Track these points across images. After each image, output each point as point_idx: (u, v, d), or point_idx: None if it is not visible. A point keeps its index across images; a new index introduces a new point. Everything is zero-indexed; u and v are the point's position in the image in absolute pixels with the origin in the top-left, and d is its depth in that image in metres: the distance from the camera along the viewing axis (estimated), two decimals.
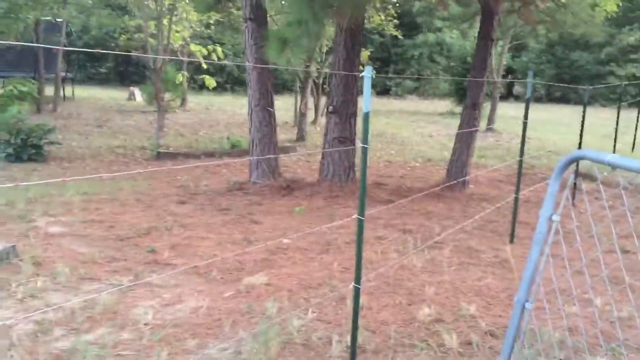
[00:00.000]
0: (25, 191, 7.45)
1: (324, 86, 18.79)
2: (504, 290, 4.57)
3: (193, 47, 16.31)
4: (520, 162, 5.97)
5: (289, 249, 5.51)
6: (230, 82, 32.64)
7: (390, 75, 34.13)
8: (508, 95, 34.18)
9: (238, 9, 14.12)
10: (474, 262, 5.23)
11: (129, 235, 5.77)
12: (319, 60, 17.06)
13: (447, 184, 8.08)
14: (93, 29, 26.85)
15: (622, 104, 11.85)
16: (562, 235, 2.21)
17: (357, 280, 3.35)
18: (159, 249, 5.35)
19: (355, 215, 3.29)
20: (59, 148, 11.46)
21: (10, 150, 10.04)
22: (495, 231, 6.38)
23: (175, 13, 14.41)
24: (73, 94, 22.48)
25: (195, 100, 24.88)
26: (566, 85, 15.93)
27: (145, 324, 3.78)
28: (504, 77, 20.72)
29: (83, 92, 25.34)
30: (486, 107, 17.18)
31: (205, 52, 15.79)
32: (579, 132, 7.59)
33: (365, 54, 16.89)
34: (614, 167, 1.90)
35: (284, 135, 13.97)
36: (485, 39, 8.11)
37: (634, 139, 13.30)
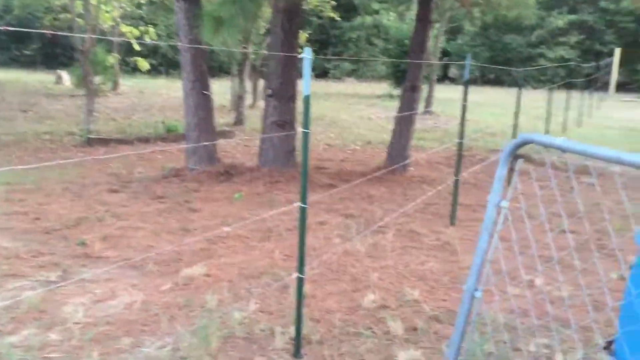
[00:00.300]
0: None
1: (262, 69, 18.50)
2: (446, 274, 4.57)
3: (124, 28, 15.66)
4: (460, 145, 5.99)
5: (228, 237, 5.33)
6: (165, 64, 31.64)
7: (329, 57, 34.04)
8: (444, 77, 34.77)
9: None
10: (416, 246, 5.22)
11: (57, 228, 5.43)
12: (256, 42, 16.73)
13: (389, 167, 8.06)
14: (16, 8, 25.34)
15: (552, 86, 12.19)
16: (508, 218, 2.16)
17: (301, 269, 3.23)
18: (89, 242, 5.06)
19: (297, 203, 3.16)
20: None
21: None
22: (436, 213, 6.40)
23: None
24: None
25: (127, 83, 23.98)
26: (501, 67, 16.29)
27: (75, 323, 3.54)
28: (440, 59, 20.99)
29: (5, 75, 23.96)
30: (424, 89, 17.35)
31: (137, 33, 15.18)
32: (513, 113, 7.72)
33: (303, 36, 16.68)
34: (563, 150, 1.84)
35: (221, 119, 13.62)
36: (423, 21, 8.10)
37: (565, 120, 13.74)
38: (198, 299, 3.95)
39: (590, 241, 5.36)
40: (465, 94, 5.88)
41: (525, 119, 13.45)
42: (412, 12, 26.50)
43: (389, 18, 30.95)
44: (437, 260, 4.87)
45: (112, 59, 16.03)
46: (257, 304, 3.90)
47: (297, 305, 3.22)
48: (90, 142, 10.45)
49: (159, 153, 9.81)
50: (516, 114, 7.93)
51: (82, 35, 11.41)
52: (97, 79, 16.52)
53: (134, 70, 22.25)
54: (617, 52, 28.23)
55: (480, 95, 24.21)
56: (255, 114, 16.06)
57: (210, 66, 7.90)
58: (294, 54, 7.60)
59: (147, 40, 15.87)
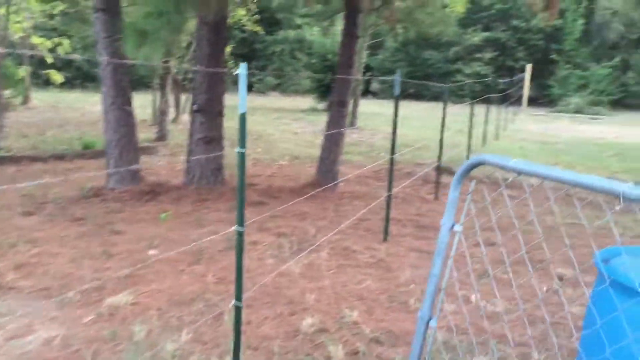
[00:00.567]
0: None
1: (185, 82, 18.06)
2: (383, 292, 4.50)
3: (35, 40, 14.83)
4: (392, 160, 5.99)
5: (156, 261, 5.04)
6: (80, 77, 30.39)
7: (263, 72, 33.80)
8: (366, 92, 35.35)
9: None
10: (351, 264, 5.14)
11: None
12: (178, 55, 16.33)
13: (319, 183, 7.99)
14: None
15: (474, 100, 12.59)
16: (463, 243, 2.09)
17: (238, 296, 3.06)
18: (0, 271, 4.63)
19: (234, 227, 2.98)
20: None
21: None
22: (368, 229, 6.36)
23: (13, 2, 12.95)
24: None
25: (40, 97, 22.77)
26: (428, 82, 16.72)
27: None
28: (363, 74, 21.31)
29: None
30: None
31: (49, 44, 14.42)
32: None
33: (227, 49, 16.44)
34: (518, 172, 1.79)
35: (143, 135, 13.10)
36: (350, 36, 8.12)
37: (484, 134, 14.22)
38: (125, 330, 3.67)
39: (519, 254, 5.48)
40: (396, 109, 5.90)
41: (447, 133, 13.79)
42: (336, 27, 26.88)
43: (312, 32, 31.21)
44: (373, 278, 4.80)
45: (23, 71, 15.12)
46: (190, 333, 3.67)
47: (235, 335, 3.04)
48: None
49: (77, 171, 9.28)
50: (442, 129, 8.09)
51: None
52: (7, 93, 15.53)
53: (47, 83, 21.17)
54: (529, 68, 29.77)
55: (401, 109, 24.55)
56: (178, 129, 15.63)
57: (130, 79, 7.55)
58: (221, 69, 7.40)
59: (61, 52, 15.11)
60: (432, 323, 1.92)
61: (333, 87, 8.39)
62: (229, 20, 15.96)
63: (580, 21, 32.50)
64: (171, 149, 12.38)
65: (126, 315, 3.92)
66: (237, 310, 3.03)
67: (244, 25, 18.47)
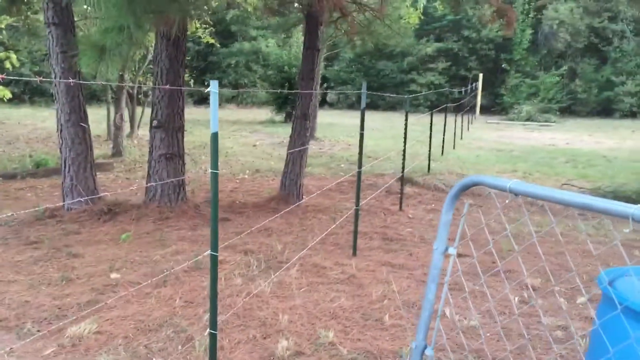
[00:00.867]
0: None
1: (139, 96, 17.69)
2: (357, 310, 4.42)
3: None
4: (359, 174, 5.94)
5: (118, 285, 4.83)
6: (29, 92, 29.39)
7: (228, 89, 33.36)
8: (323, 102, 35.41)
9: (35, 13, 12.58)
10: (323, 281, 5.04)
11: None
12: (133, 69, 15.98)
13: (282, 197, 7.88)
14: None
15: (426, 110, 12.72)
16: (459, 267, 2.03)
17: (213, 325, 2.92)
18: None
19: (207, 252, 2.85)
20: None
21: None
22: (336, 244, 6.28)
23: None
24: None
25: None
26: (390, 95, 16.82)
27: None
28: (320, 85, 21.32)
29: None
30: None
31: None
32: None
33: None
34: (516, 193, 1.74)
35: (98, 151, 12.71)
36: (312, 49, 8.06)
37: (443, 143, 14.37)
38: None
39: (486, 265, 5.50)
40: (362, 121, 5.86)
41: (408, 143, 13.88)
42: (293, 39, 26.86)
43: (267, 44, 31.11)
44: (346, 295, 4.71)
45: None
46: None
47: None
48: None
49: (29, 190, 8.90)
50: (405, 139, 8.11)
51: None
52: None
53: None
54: (481, 77, 30.42)
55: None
56: (134, 144, 15.26)
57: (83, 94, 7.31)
58: (181, 84, 7.23)
59: (9, 67, 14.55)
60: (428, 352, 1.85)
61: (296, 99, 8.30)
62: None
63: (529, 31, 33.42)
64: (127, 165, 12.04)
65: (90, 345, 3.72)
66: (213, 337, 2.90)
67: (199, 38, 18.24)
